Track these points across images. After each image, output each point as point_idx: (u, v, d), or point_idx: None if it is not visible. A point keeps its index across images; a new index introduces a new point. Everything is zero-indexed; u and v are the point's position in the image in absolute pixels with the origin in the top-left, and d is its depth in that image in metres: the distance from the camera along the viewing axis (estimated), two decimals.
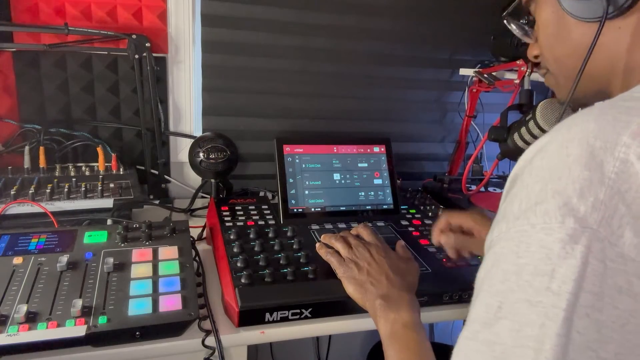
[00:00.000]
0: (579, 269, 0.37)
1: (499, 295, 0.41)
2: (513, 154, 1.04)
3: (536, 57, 0.65)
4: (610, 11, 0.51)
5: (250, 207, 0.99)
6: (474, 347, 0.41)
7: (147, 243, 0.82)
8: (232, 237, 0.85)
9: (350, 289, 0.73)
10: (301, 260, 0.81)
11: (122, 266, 0.75)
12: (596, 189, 0.38)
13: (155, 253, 0.79)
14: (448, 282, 0.81)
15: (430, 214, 1.08)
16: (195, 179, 1.27)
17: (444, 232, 0.85)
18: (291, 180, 1.00)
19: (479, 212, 0.86)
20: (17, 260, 0.74)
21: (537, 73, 0.69)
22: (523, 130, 1.00)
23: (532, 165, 0.44)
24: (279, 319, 0.73)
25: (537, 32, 0.62)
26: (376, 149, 1.09)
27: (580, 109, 0.71)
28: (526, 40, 0.68)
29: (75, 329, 0.62)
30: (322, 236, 0.86)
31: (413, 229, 1.00)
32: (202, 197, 1.27)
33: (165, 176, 1.29)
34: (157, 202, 1.20)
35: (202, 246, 0.96)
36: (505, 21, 0.70)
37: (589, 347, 0.36)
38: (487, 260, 0.44)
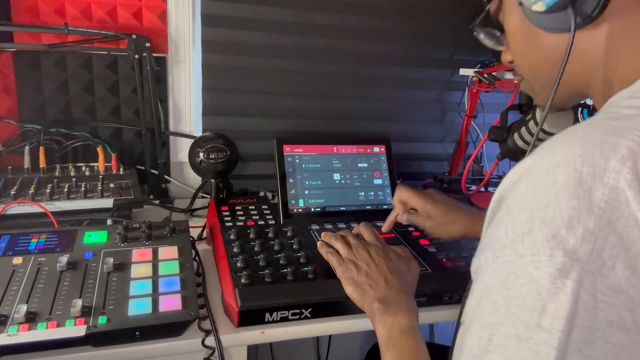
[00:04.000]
0: (570, 305, 0.36)
1: (488, 328, 0.40)
2: (513, 154, 1.04)
3: (510, 62, 0.64)
4: (579, 21, 0.49)
5: (250, 207, 0.99)
6: None
7: (147, 243, 0.82)
8: (232, 237, 0.85)
9: (349, 290, 0.72)
10: (301, 260, 0.81)
11: (122, 266, 0.75)
12: (585, 219, 0.37)
13: (155, 253, 0.79)
14: (448, 282, 0.81)
15: None
16: (195, 179, 1.27)
17: (402, 203, 0.91)
18: (291, 180, 1.00)
19: (432, 191, 0.92)
20: (17, 260, 0.74)
21: (514, 78, 0.67)
22: (523, 130, 1.00)
23: (517, 190, 0.42)
24: (278, 319, 0.73)
25: (508, 40, 0.61)
26: (376, 149, 1.09)
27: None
28: (498, 48, 0.66)
29: (75, 329, 0.62)
30: (322, 234, 0.86)
31: (413, 229, 1.00)
32: (202, 197, 1.27)
33: (165, 176, 1.29)
34: (157, 202, 1.21)
35: (202, 246, 0.96)
36: (474, 32, 0.69)
37: None
38: (476, 289, 0.44)
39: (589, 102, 1.22)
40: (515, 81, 0.67)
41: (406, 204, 0.91)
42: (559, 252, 0.37)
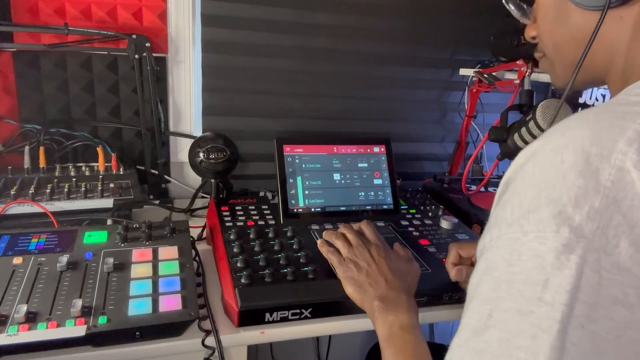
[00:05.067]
0: (574, 279, 0.36)
1: (489, 303, 0.40)
2: (513, 154, 1.04)
3: (533, 38, 0.63)
4: (613, 0, 0.48)
5: (250, 207, 0.99)
6: (464, 355, 0.40)
7: (147, 243, 0.82)
8: (232, 237, 0.85)
9: (350, 290, 0.73)
10: (301, 260, 0.81)
11: (122, 266, 0.75)
12: (591, 198, 0.37)
13: (155, 253, 0.79)
14: (448, 282, 0.81)
15: (430, 214, 1.08)
16: (195, 179, 1.27)
17: (456, 265, 0.81)
18: (291, 180, 1.00)
19: None
20: (17, 260, 0.74)
21: (535, 55, 0.66)
22: (523, 130, 1.00)
23: (525, 171, 0.43)
24: (279, 319, 0.73)
25: (535, 13, 0.60)
26: (376, 149, 1.09)
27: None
28: (524, 20, 0.65)
29: (75, 329, 0.62)
30: (324, 232, 0.86)
31: (413, 229, 1.00)
32: (202, 197, 1.27)
33: (165, 176, 1.29)
34: (157, 202, 1.20)
35: (202, 246, 0.96)
36: (503, 0, 0.68)
37: (584, 359, 0.36)
38: (479, 266, 0.44)
39: (589, 102, 1.22)
40: (536, 57, 0.66)
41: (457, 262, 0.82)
42: (565, 228, 0.37)
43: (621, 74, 0.52)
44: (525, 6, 0.64)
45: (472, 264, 0.81)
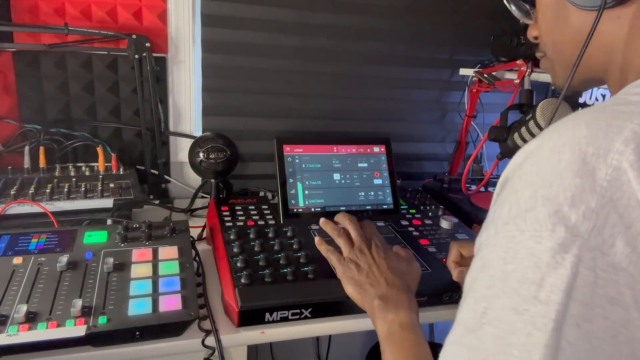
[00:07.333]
0: (569, 278, 0.36)
1: (484, 301, 0.40)
2: (513, 154, 1.03)
3: (535, 38, 0.64)
4: (609, 0, 0.49)
5: (250, 207, 0.99)
6: (458, 351, 0.40)
7: (147, 243, 0.82)
8: (232, 237, 0.85)
9: (350, 289, 0.73)
10: (301, 260, 0.81)
11: (122, 266, 0.75)
12: (588, 197, 0.38)
13: (155, 253, 0.79)
14: (448, 282, 0.81)
15: (430, 214, 1.08)
16: (195, 179, 1.27)
17: (457, 263, 0.81)
18: (291, 180, 1.00)
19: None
20: (17, 260, 0.74)
21: (537, 54, 0.67)
22: (523, 130, 1.00)
23: (522, 170, 0.43)
24: (279, 319, 0.73)
25: (537, 14, 0.61)
26: (376, 149, 1.09)
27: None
28: (526, 21, 0.66)
29: (75, 329, 0.62)
30: (321, 220, 0.85)
31: (413, 229, 1.00)
32: (202, 197, 1.27)
33: (165, 176, 1.29)
34: (157, 202, 1.20)
35: (202, 246, 0.96)
36: (505, 1, 0.68)
37: (579, 358, 0.36)
38: (475, 264, 0.44)
39: (589, 102, 1.22)
40: (537, 57, 0.66)
41: (458, 261, 0.83)
42: (561, 227, 0.38)
43: (619, 73, 0.52)
44: (527, 7, 0.64)
45: None
